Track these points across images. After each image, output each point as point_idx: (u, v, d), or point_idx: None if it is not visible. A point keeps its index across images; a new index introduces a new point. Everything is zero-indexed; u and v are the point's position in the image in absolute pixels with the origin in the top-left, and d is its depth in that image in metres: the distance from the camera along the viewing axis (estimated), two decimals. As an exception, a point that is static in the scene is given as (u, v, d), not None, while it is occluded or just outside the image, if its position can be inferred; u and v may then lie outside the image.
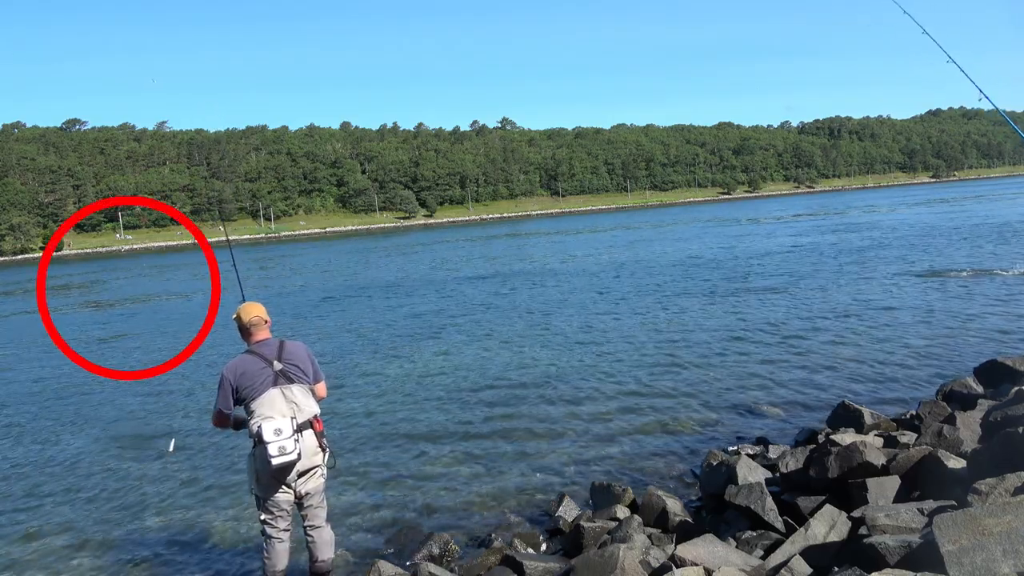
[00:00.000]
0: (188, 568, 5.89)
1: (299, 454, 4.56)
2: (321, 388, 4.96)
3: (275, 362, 4.72)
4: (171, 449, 5.11)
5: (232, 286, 35.04)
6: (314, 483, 4.81)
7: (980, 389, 7.61)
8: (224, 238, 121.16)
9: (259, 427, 4.54)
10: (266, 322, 4.89)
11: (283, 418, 4.58)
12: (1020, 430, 4.30)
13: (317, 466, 4.80)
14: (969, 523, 3.25)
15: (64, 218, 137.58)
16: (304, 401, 4.74)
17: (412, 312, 20.53)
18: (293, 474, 4.65)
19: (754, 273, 23.81)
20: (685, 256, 32.73)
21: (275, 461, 4.46)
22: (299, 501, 4.81)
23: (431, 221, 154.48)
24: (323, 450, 4.80)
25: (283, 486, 4.70)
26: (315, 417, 4.78)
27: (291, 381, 4.72)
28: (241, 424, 4.77)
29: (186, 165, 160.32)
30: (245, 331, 4.87)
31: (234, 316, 4.94)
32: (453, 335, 15.97)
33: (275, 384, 4.67)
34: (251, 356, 4.77)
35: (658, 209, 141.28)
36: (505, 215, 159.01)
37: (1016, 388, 6.12)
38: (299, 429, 4.61)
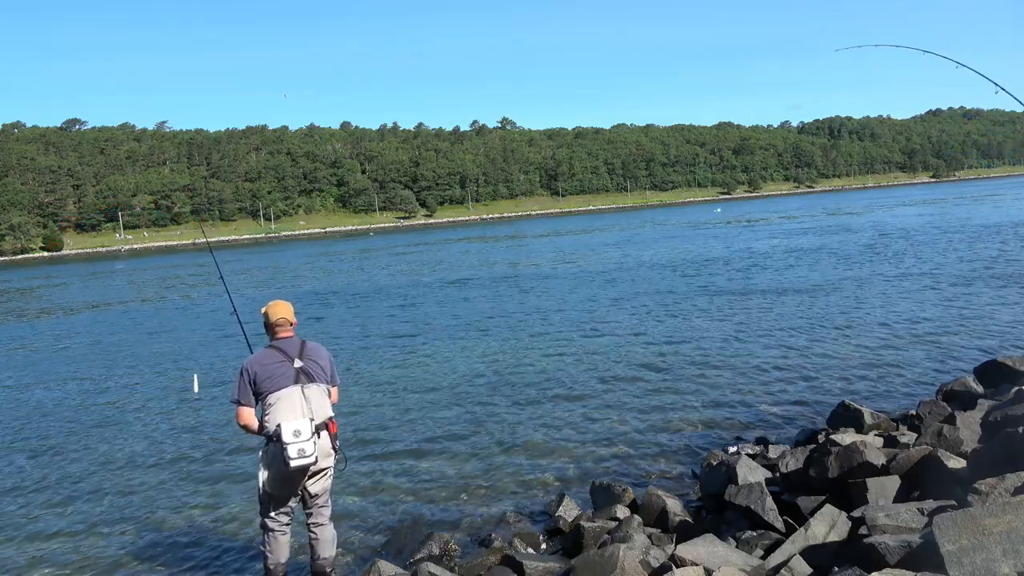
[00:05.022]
0: (188, 565, 5.89)
1: (316, 457, 4.57)
2: (334, 392, 4.97)
3: (296, 359, 4.74)
4: (196, 389, 5.13)
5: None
6: (323, 484, 4.83)
7: (980, 389, 7.62)
8: (223, 238, 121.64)
9: (278, 426, 4.53)
10: (291, 324, 4.92)
11: (302, 419, 4.57)
12: (1020, 430, 4.30)
13: (329, 467, 4.82)
14: (969, 523, 3.26)
15: (64, 218, 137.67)
16: (321, 402, 4.75)
17: (411, 313, 20.54)
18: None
19: (753, 274, 23.81)
20: (684, 257, 32.74)
21: (294, 463, 4.45)
22: (305, 499, 4.82)
23: (431, 221, 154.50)
24: (335, 452, 4.81)
25: (296, 487, 4.71)
26: (330, 419, 4.78)
27: (311, 380, 4.73)
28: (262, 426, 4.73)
29: (186, 165, 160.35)
30: (270, 328, 4.90)
31: (262, 311, 4.97)
32: (452, 336, 15.97)
33: (296, 381, 4.68)
34: (272, 351, 4.79)
35: (658, 209, 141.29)
36: (505, 215, 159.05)
37: (1016, 388, 6.12)
38: (316, 431, 4.61)
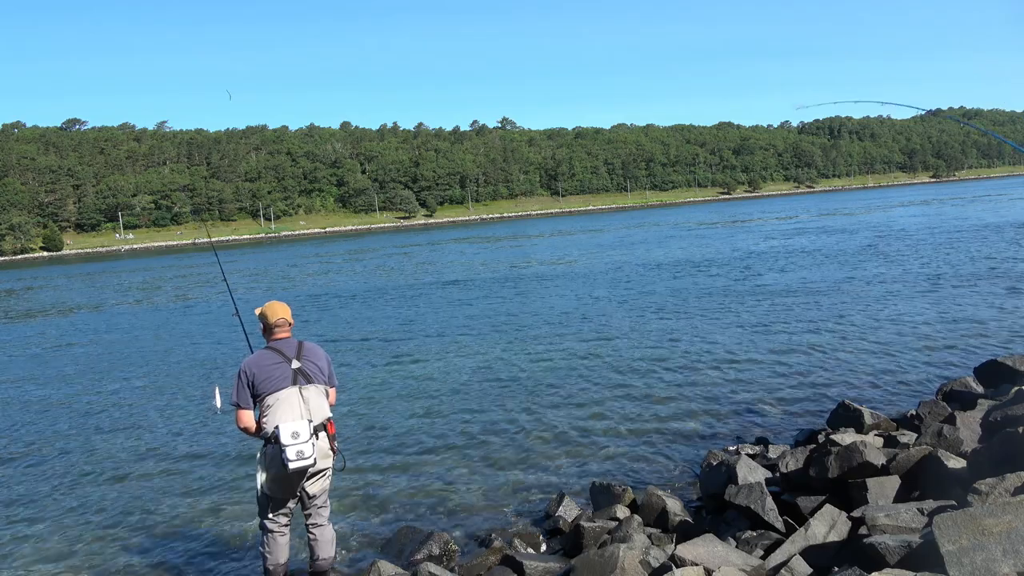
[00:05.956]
0: (188, 565, 5.89)
1: (315, 458, 4.57)
2: (332, 394, 4.97)
3: (294, 360, 4.74)
4: (218, 404, 5.11)
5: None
6: (322, 485, 4.83)
7: (980, 389, 7.62)
8: (223, 238, 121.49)
9: (276, 428, 4.52)
10: (289, 324, 4.93)
11: (300, 420, 4.57)
12: (1020, 430, 4.30)
13: (327, 468, 4.82)
14: (969, 523, 3.26)
15: (64, 218, 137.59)
16: (319, 402, 4.75)
17: (409, 314, 20.53)
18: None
19: (752, 275, 23.81)
20: (682, 257, 32.73)
21: (292, 465, 4.45)
22: (304, 500, 4.82)
23: (431, 221, 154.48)
24: (334, 452, 4.81)
25: (295, 488, 4.71)
26: (328, 420, 4.78)
27: (309, 380, 4.73)
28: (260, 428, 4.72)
29: (186, 165, 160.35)
30: (268, 329, 4.90)
31: (258, 312, 4.96)
32: (451, 337, 15.97)
33: (294, 383, 4.68)
34: (270, 352, 4.79)
35: (658, 209, 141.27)
36: (505, 215, 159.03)
37: (1016, 388, 6.13)
38: (314, 432, 4.61)
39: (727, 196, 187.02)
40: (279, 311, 4.90)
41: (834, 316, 14.75)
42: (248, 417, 4.69)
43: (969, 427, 5.56)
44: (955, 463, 4.75)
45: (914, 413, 6.99)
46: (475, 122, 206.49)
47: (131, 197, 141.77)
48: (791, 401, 9.14)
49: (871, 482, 4.85)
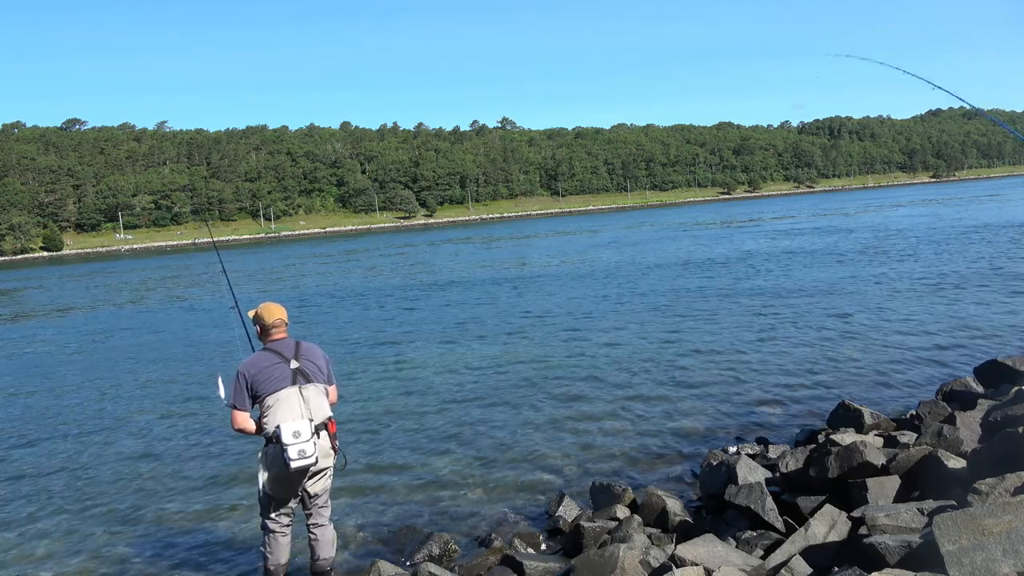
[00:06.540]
0: (188, 565, 5.89)
1: (316, 458, 4.56)
2: (333, 392, 4.97)
3: (292, 360, 4.73)
4: (221, 393, 5.12)
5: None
6: (323, 484, 4.83)
7: (980, 389, 7.62)
8: (223, 238, 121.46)
9: (277, 428, 4.52)
10: (286, 324, 4.92)
11: (301, 420, 4.56)
12: (1020, 430, 4.30)
13: (328, 468, 4.82)
14: (969, 523, 3.26)
15: (64, 218, 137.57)
16: (320, 401, 4.74)
17: (409, 315, 20.54)
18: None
19: (752, 275, 23.81)
20: (682, 258, 32.73)
21: (294, 464, 4.44)
22: (305, 500, 4.82)
23: (431, 221, 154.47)
24: (335, 451, 4.81)
25: (296, 488, 4.70)
26: (329, 419, 4.78)
27: (308, 380, 4.73)
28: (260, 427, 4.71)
29: (186, 165, 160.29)
30: (264, 331, 4.88)
31: (252, 314, 4.95)
32: (450, 338, 15.97)
33: (293, 382, 4.67)
34: (267, 353, 4.78)
35: (658, 209, 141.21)
36: (505, 215, 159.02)
37: (1016, 388, 6.13)
38: (316, 431, 4.60)
39: (727, 196, 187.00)
40: (275, 312, 4.88)
41: (834, 316, 14.75)
42: (244, 419, 4.69)
43: (969, 427, 5.56)
44: (955, 463, 4.75)
45: (914, 413, 6.99)
46: (475, 122, 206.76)
47: (131, 197, 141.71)
48: (791, 401, 9.14)
49: (871, 482, 4.85)
